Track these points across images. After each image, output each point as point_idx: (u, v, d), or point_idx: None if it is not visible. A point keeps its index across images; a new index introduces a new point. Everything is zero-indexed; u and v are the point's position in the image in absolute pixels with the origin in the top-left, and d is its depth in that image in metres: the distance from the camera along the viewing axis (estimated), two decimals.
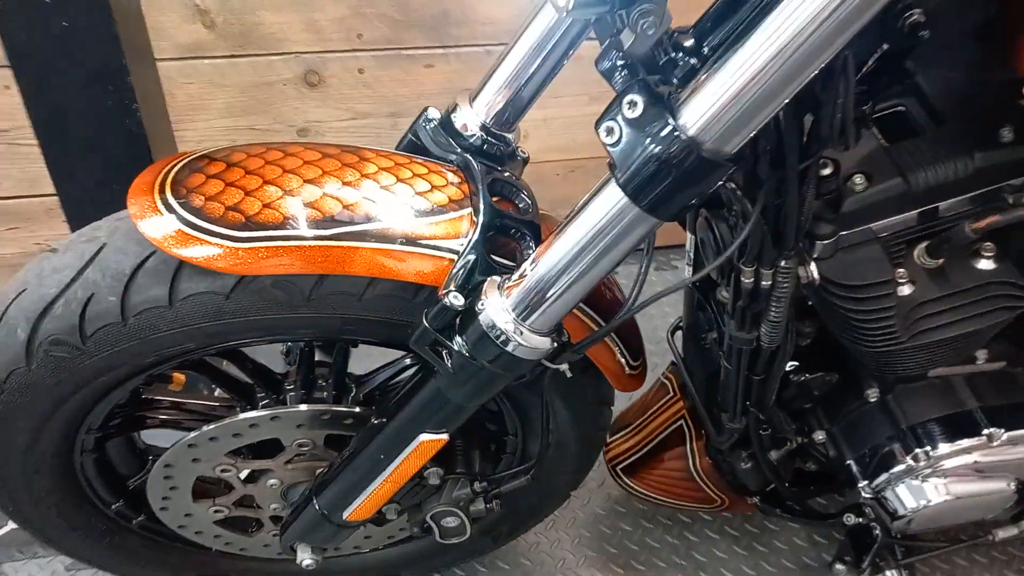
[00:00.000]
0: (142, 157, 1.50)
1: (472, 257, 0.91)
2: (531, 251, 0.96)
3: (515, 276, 0.88)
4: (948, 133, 0.99)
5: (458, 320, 0.89)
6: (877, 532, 1.32)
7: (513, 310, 0.86)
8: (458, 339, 0.88)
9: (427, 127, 1.07)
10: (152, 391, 1.16)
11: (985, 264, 1.07)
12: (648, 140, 0.72)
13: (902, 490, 1.29)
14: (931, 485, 1.28)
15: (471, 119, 1.05)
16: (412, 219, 0.93)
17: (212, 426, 1.07)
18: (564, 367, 0.94)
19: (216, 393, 1.24)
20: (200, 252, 0.87)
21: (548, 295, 0.84)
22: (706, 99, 0.70)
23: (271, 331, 0.97)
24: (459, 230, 0.94)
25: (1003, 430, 1.26)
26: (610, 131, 0.74)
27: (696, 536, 1.71)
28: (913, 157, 0.99)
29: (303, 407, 1.09)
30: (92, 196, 1.47)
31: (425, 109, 1.08)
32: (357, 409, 1.10)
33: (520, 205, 1.00)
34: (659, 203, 0.74)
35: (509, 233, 0.96)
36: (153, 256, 0.92)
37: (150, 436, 1.26)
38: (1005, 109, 0.96)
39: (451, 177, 0.99)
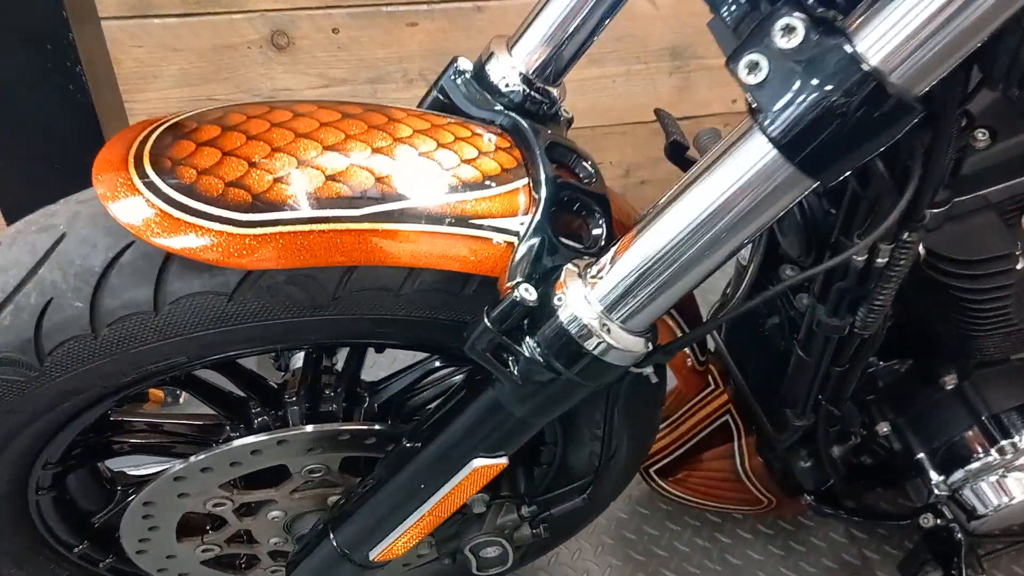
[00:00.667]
0: (90, 132, 1.27)
1: (537, 240, 0.73)
2: (601, 229, 0.79)
3: (601, 262, 0.70)
4: None
5: (529, 319, 0.70)
6: (959, 535, 1.18)
7: (601, 304, 0.68)
8: (528, 341, 0.70)
9: (457, 81, 0.87)
10: (123, 411, 0.95)
11: None
12: (813, 75, 0.54)
13: (984, 486, 1.16)
14: (1016, 479, 1.15)
15: (510, 71, 0.87)
16: (460, 193, 0.74)
17: (204, 455, 0.87)
18: (649, 370, 0.77)
19: (197, 409, 1.04)
20: (194, 241, 0.67)
21: (649, 285, 0.67)
22: (892, 20, 0.53)
23: (285, 338, 0.77)
24: (516, 206, 0.76)
25: None
26: (754, 67, 0.57)
27: (728, 537, 1.56)
28: None
29: (317, 427, 0.89)
30: (31, 178, 1.23)
31: (454, 60, 0.89)
32: (381, 427, 0.91)
33: (581, 174, 0.82)
34: (823, 160, 0.57)
35: (573, 209, 0.78)
36: (131, 248, 0.71)
37: (117, 461, 1.05)
38: None
39: (498, 141, 0.80)
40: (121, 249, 0.71)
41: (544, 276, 0.72)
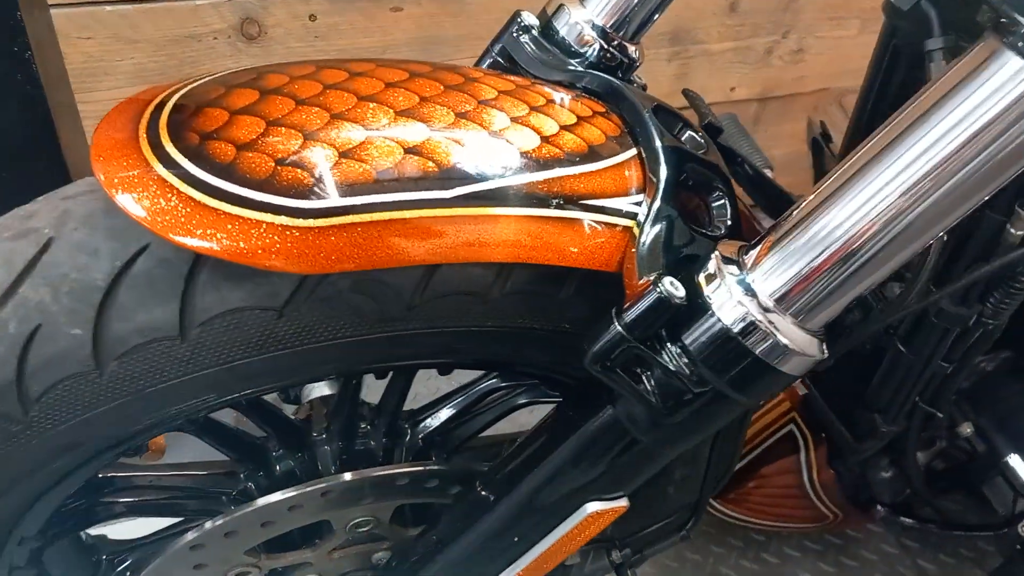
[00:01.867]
0: (43, 131, 1.07)
1: (663, 224, 0.58)
2: (725, 209, 0.64)
3: (763, 244, 0.55)
4: None
5: (672, 322, 0.55)
6: None
7: (771, 297, 0.54)
8: (670, 349, 0.55)
9: (523, 39, 0.72)
10: (116, 467, 0.76)
11: None
12: None
13: None
14: None
15: (585, 24, 0.72)
16: (565, 167, 0.58)
17: (229, 516, 0.69)
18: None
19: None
20: (238, 239, 0.50)
21: (842, 267, 0.52)
22: None
23: (343, 362, 0.60)
24: (627, 182, 0.61)
25: None
26: None
27: (775, 557, 1.43)
28: None
29: (369, 472, 0.72)
30: None
31: (516, 14, 0.74)
32: (452, 466, 0.74)
33: (690, 145, 0.67)
34: None
35: (692, 182, 0.63)
36: (145, 253, 0.54)
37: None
38: None
39: (591, 105, 0.65)
40: (132, 255, 0.53)
41: (678, 268, 0.57)
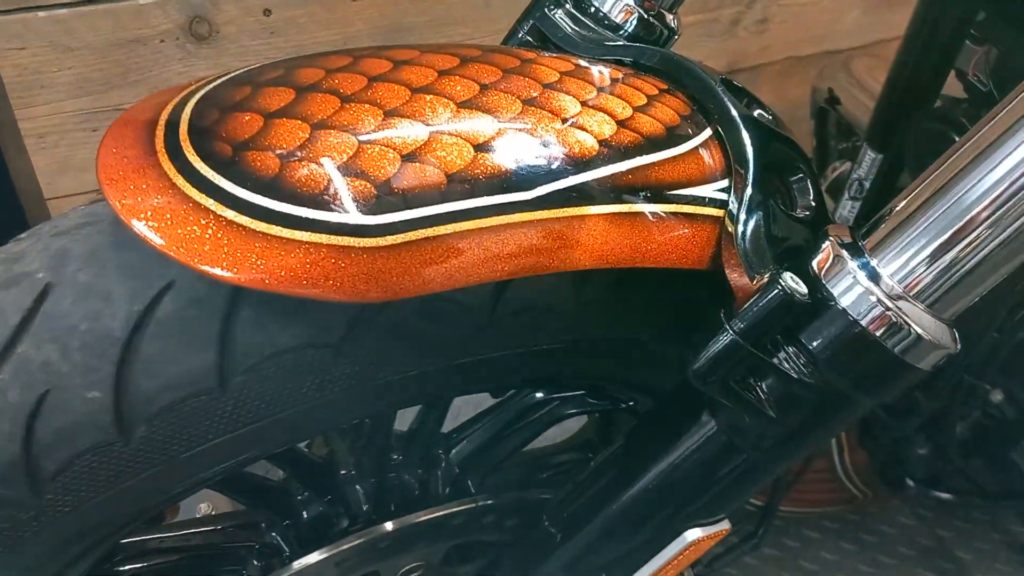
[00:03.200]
0: None
1: (760, 212, 0.51)
2: (807, 188, 0.58)
3: (884, 226, 0.49)
4: None
5: (792, 320, 0.48)
6: None
7: (901, 284, 0.47)
8: (789, 352, 0.48)
9: (558, 14, 0.64)
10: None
11: None
12: None
13: None
14: None
15: None
16: (647, 155, 0.51)
17: None
18: None
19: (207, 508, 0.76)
20: (291, 267, 0.41)
21: (974, 250, 0.46)
22: None
23: (406, 397, 0.52)
24: (707, 166, 0.54)
25: None
26: None
27: (795, 540, 1.39)
28: None
29: (424, 514, 0.63)
30: None
31: None
32: (511, 498, 0.67)
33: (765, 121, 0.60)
34: None
35: (776, 161, 0.56)
36: (170, 292, 0.44)
37: None
38: None
39: (654, 82, 0.57)
40: (155, 296, 0.44)
41: (787, 259, 0.50)
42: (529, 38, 0.66)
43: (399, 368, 0.49)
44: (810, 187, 0.57)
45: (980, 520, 1.45)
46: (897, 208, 0.49)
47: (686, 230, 0.52)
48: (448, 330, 0.49)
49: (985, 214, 0.45)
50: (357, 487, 0.72)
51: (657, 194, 0.50)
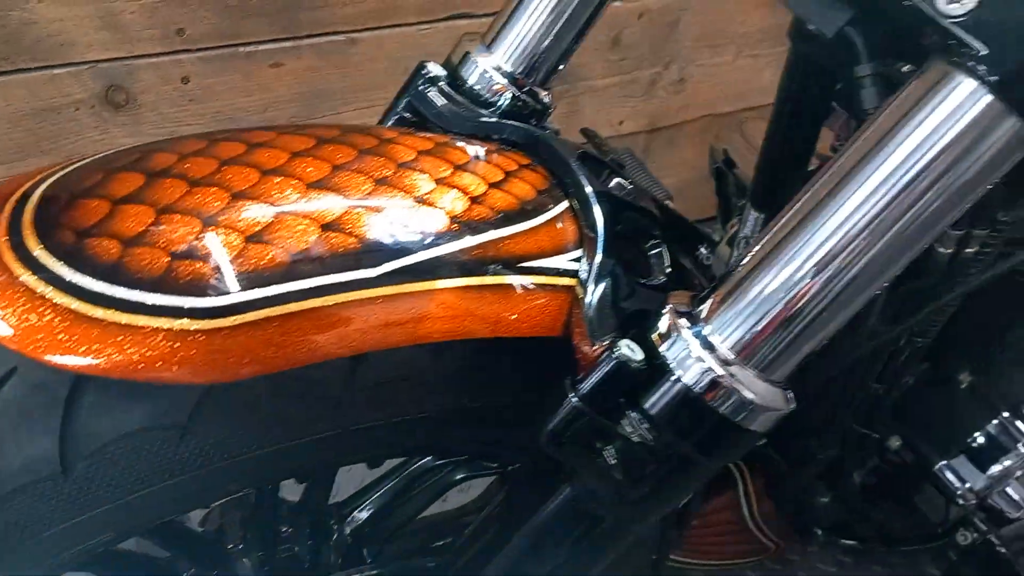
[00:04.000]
0: None
1: (608, 280, 0.54)
2: (663, 257, 0.60)
3: (716, 294, 0.51)
4: None
5: (631, 387, 0.50)
6: (1001, 547, 1.08)
7: (732, 351, 0.50)
8: (631, 417, 0.50)
9: (430, 92, 0.67)
10: None
11: None
12: None
13: (1014, 488, 1.06)
14: None
15: (494, 72, 0.68)
16: (499, 228, 0.53)
17: None
18: None
19: None
20: (130, 353, 0.42)
21: (804, 313, 0.49)
22: None
23: (263, 474, 0.52)
24: (563, 237, 0.56)
25: None
26: None
27: None
28: None
29: None
30: None
31: (420, 66, 0.68)
32: (385, 570, 0.67)
33: (619, 193, 0.63)
34: None
35: (628, 231, 0.59)
36: (12, 379, 0.45)
37: None
38: None
39: (515, 157, 0.60)
40: None
41: (630, 326, 0.52)
42: (407, 114, 0.68)
43: (254, 446, 0.49)
44: (665, 255, 0.60)
45: (899, 564, 1.47)
46: (730, 277, 0.51)
47: (540, 299, 0.54)
48: (302, 406, 0.50)
49: (806, 281, 0.48)
50: (245, 560, 0.72)
51: (509, 266, 0.52)
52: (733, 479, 1.14)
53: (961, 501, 1.07)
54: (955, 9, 0.41)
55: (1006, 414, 1.04)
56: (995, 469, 1.06)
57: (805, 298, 0.48)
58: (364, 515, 0.77)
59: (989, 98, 0.42)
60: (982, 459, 1.06)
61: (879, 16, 0.47)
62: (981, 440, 1.06)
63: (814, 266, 0.48)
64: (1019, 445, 1.04)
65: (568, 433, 0.50)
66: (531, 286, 0.53)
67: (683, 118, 1.95)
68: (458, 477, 0.77)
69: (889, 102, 0.45)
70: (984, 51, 0.40)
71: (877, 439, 1.06)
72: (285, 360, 0.45)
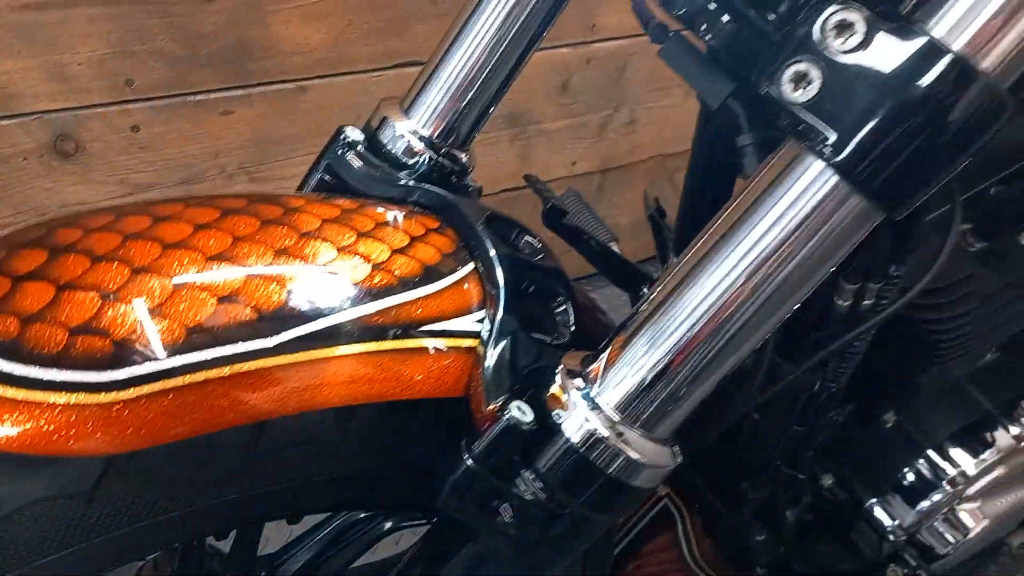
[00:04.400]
0: None
1: (507, 340, 0.56)
2: (568, 314, 0.63)
3: (604, 355, 0.54)
4: None
5: (525, 447, 0.53)
6: None
7: (617, 411, 0.52)
8: (525, 476, 0.53)
9: (348, 156, 0.70)
10: None
11: None
12: (885, 74, 0.42)
13: (941, 524, 1.10)
14: (970, 511, 1.09)
15: (411, 136, 0.70)
16: (401, 293, 0.55)
17: None
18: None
19: None
20: (27, 429, 0.44)
21: (681, 374, 0.51)
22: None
23: (174, 534, 0.54)
24: (467, 300, 0.58)
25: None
26: (801, 79, 0.44)
27: None
28: None
29: None
30: None
31: (339, 131, 0.71)
32: None
33: (527, 251, 0.66)
34: (902, 183, 0.45)
35: (532, 291, 0.62)
36: None
37: None
38: None
39: (425, 220, 0.63)
40: None
41: (526, 386, 0.55)
42: (327, 176, 0.71)
43: (161, 509, 0.51)
44: (570, 313, 0.63)
45: None
46: (616, 337, 0.54)
47: (444, 361, 0.56)
48: (207, 470, 0.52)
49: (681, 343, 0.51)
50: None
51: (410, 330, 0.55)
52: (673, 519, 1.16)
53: (892, 538, 1.10)
54: (800, 96, 0.44)
55: (931, 452, 1.08)
56: (923, 505, 1.09)
57: (681, 359, 0.51)
58: (294, 567, 0.78)
59: (836, 178, 0.45)
60: (910, 496, 1.09)
61: (755, 92, 0.51)
62: (909, 478, 1.10)
63: (688, 329, 0.50)
64: (944, 482, 1.08)
65: (464, 493, 0.52)
66: (432, 349, 0.56)
67: (634, 158, 1.99)
68: (387, 527, 0.79)
69: (752, 178, 0.49)
70: (830, 134, 0.44)
71: (811, 478, 1.09)
72: (184, 430, 0.47)
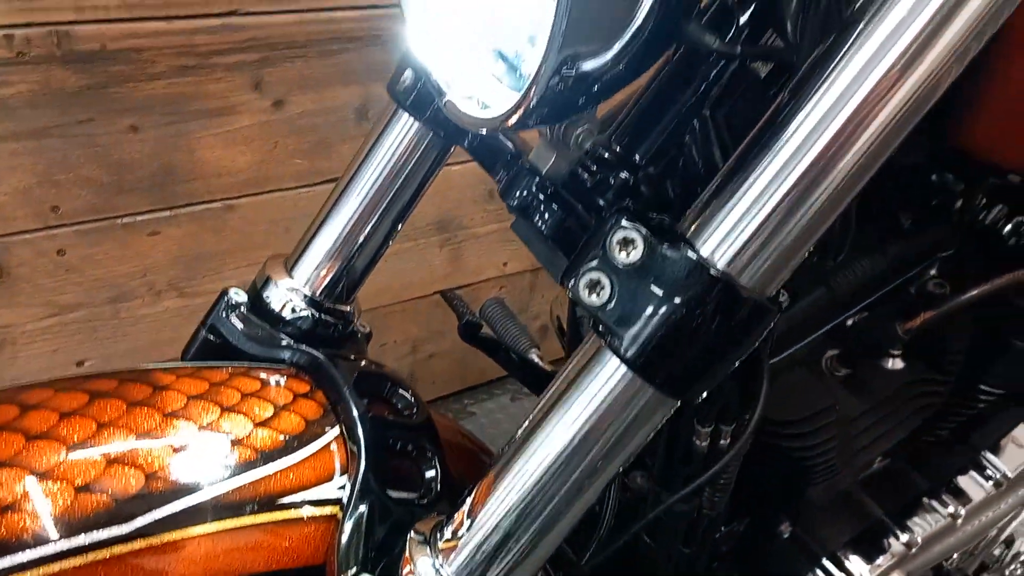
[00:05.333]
0: None
1: (365, 505, 0.60)
2: (435, 470, 0.67)
3: (453, 522, 0.58)
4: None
5: None
6: None
7: None
8: None
9: (231, 317, 0.74)
10: None
11: (895, 364, 0.96)
12: (661, 288, 0.48)
13: None
14: None
15: (293, 295, 0.75)
16: (260, 468, 0.59)
17: None
18: None
19: None
20: None
21: (516, 544, 0.55)
22: (731, 221, 0.48)
23: None
24: (331, 465, 0.62)
25: (915, 533, 1.15)
26: (594, 286, 0.50)
27: None
28: (832, 261, 0.86)
29: None
30: None
31: (223, 293, 0.75)
32: None
33: (400, 405, 0.70)
34: (685, 377, 0.50)
35: (399, 450, 0.66)
36: None
37: None
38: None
39: (295, 385, 0.67)
40: None
41: (383, 552, 0.58)
42: (212, 336, 0.74)
43: None
44: (436, 470, 0.67)
45: None
46: (463, 502, 0.57)
47: (306, 530, 0.59)
48: None
49: (516, 507, 0.54)
50: None
51: (269, 504, 0.58)
52: None
53: None
54: (595, 300, 0.50)
55: (826, 562, 1.12)
56: None
57: (518, 526, 0.55)
58: None
59: (630, 374, 0.50)
60: None
61: None
62: None
63: (522, 498, 0.54)
64: None
65: None
66: (293, 518, 0.59)
67: None
68: None
69: (563, 368, 0.54)
70: (621, 334, 0.49)
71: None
72: None
